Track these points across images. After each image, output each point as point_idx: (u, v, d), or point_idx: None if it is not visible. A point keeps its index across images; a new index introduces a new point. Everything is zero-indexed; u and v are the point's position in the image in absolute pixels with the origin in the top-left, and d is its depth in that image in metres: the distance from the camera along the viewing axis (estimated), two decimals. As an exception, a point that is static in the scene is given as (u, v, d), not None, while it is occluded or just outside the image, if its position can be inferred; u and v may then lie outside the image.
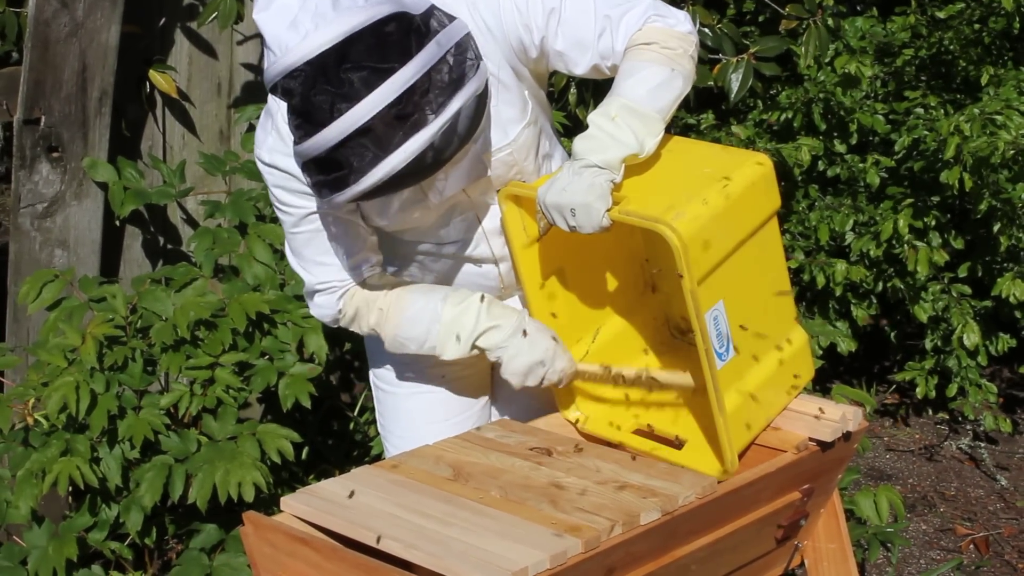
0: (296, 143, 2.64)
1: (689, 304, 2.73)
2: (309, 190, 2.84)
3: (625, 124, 2.79)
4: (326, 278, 3.06)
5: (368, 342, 3.37)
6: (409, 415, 3.33)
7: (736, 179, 2.85)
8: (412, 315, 3.05)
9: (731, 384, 2.86)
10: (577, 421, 3.16)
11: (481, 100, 2.70)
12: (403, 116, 2.57)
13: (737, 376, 2.88)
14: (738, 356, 2.86)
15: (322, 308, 3.11)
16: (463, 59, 2.65)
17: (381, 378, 3.36)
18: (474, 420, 3.31)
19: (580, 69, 2.94)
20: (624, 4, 2.91)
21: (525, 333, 2.99)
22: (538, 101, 3.06)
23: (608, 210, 2.74)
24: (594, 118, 2.82)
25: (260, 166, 2.97)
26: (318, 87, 2.55)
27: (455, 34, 2.64)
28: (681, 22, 2.93)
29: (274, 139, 2.91)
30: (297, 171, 2.82)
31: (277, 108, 2.88)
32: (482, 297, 3.02)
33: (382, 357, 3.32)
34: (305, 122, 2.59)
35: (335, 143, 2.57)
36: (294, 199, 2.96)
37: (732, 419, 2.84)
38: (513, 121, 2.98)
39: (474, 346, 3.01)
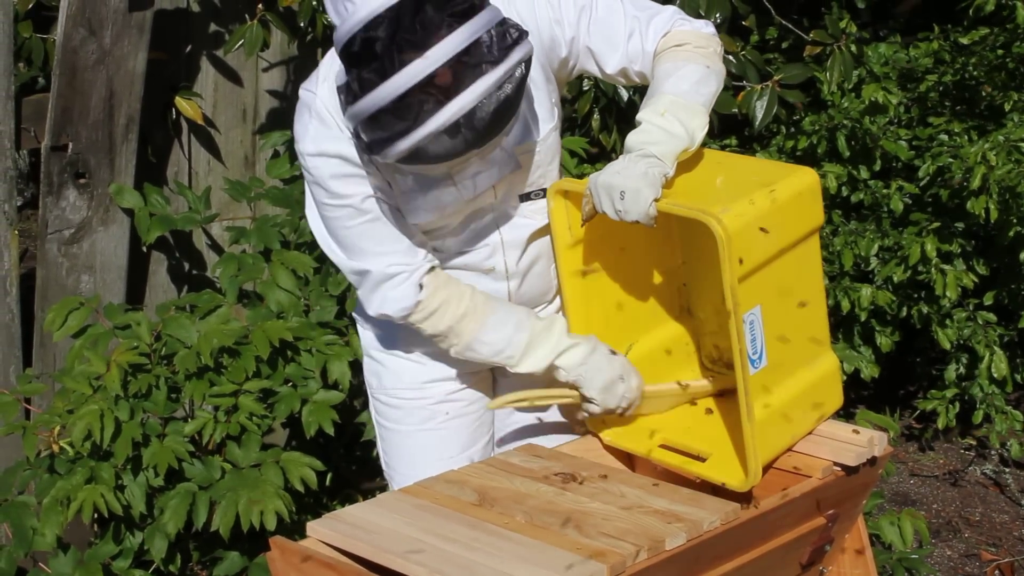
0: (360, 95, 2.65)
1: (728, 299, 2.74)
2: (362, 169, 2.90)
3: (675, 118, 2.86)
4: (395, 261, 3.01)
5: (368, 376, 3.34)
6: (412, 452, 3.29)
7: (782, 187, 2.88)
8: (498, 319, 3.05)
9: (760, 395, 2.86)
10: (604, 435, 3.17)
11: (524, 76, 2.74)
12: (471, 64, 2.62)
13: (766, 389, 2.88)
14: (769, 368, 2.87)
15: (397, 301, 3.03)
16: (516, 27, 2.71)
17: (384, 415, 3.33)
18: (477, 458, 3.28)
19: (610, 68, 3.00)
20: (651, 9, 3.00)
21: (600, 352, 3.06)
22: (559, 116, 3.09)
23: (656, 200, 2.78)
24: (645, 115, 2.88)
25: (306, 162, 2.95)
26: (398, 35, 2.60)
27: (499, 11, 2.72)
28: (705, 26, 3.03)
29: (316, 127, 2.92)
30: (348, 152, 2.88)
31: (312, 98, 2.92)
32: (562, 321, 3.10)
33: (384, 393, 3.30)
34: (374, 73, 2.62)
35: (408, 87, 2.60)
36: (349, 186, 2.94)
37: (759, 429, 2.85)
38: (543, 120, 3.02)
39: (552, 364, 3.05)
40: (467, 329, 3.05)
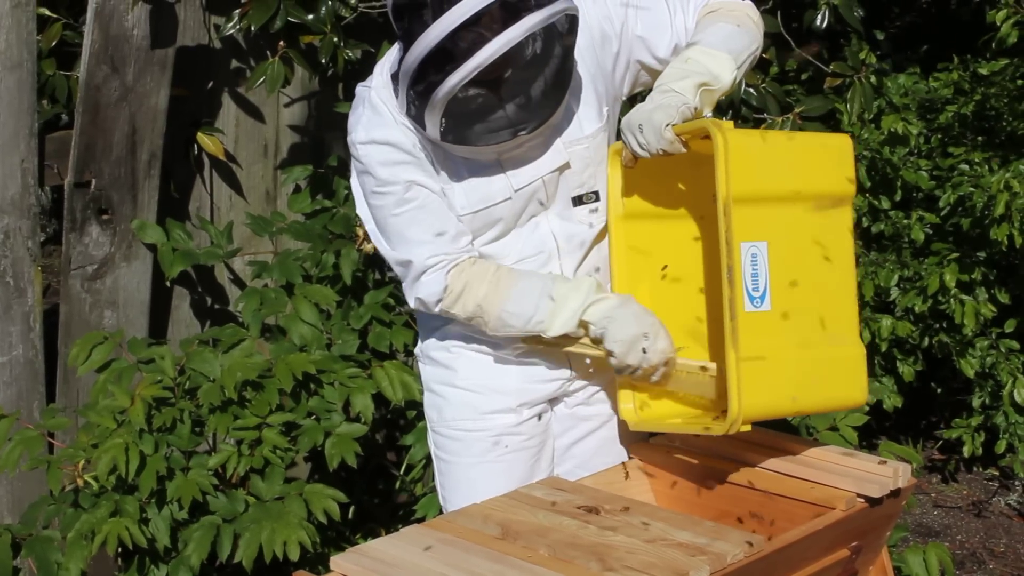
0: (414, 39, 2.78)
1: (721, 205, 2.77)
2: (411, 157, 3.02)
3: (696, 61, 3.02)
4: (435, 252, 3.08)
5: (429, 410, 3.35)
6: (471, 485, 3.27)
7: (803, 135, 2.98)
8: (522, 288, 3.07)
9: (762, 340, 2.83)
10: (631, 417, 3.19)
11: (568, 46, 2.90)
12: (511, 9, 2.77)
13: (772, 336, 2.86)
14: (781, 321, 2.86)
15: (429, 287, 3.10)
16: None
17: (443, 448, 3.33)
18: None
19: (662, 51, 3.13)
20: None
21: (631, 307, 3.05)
22: (608, 119, 3.16)
23: (670, 125, 2.91)
24: (672, 62, 3.07)
25: (357, 151, 3.05)
26: None
27: None
28: None
29: (368, 115, 3.04)
30: (397, 139, 3.00)
31: (367, 91, 3.04)
32: (591, 279, 3.10)
33: (444, 426, 3.31)
34: (423, 19, 2.76)
35: (457, 25, 2.73)
36: (396, 172, 3.03)
37: (748, 368, 2.81)
38: (590, 119, 3.10)
39: (581, 322, 3.05)
40: (494, 304, 3.08)
